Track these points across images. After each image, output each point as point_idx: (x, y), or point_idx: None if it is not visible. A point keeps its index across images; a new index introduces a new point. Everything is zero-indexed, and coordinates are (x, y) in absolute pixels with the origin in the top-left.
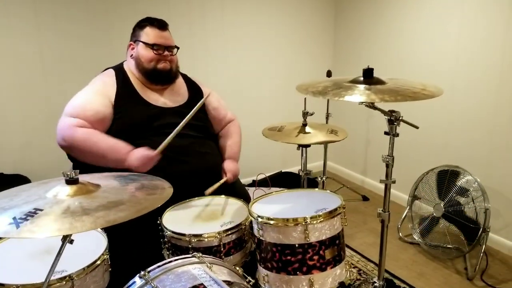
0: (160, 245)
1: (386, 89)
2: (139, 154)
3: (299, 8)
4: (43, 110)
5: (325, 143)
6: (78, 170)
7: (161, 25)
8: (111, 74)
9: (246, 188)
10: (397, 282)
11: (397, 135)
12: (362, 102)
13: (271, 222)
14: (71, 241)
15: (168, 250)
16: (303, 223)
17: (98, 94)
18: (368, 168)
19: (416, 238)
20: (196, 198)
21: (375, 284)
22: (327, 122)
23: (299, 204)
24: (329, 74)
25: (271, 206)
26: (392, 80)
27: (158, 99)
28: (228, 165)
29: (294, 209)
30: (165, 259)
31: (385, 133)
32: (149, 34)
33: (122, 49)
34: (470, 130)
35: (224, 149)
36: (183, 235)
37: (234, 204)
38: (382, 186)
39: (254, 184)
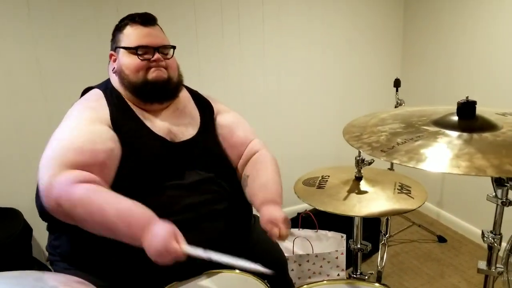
0: None
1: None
2: (161, 243)
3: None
4: (43, 132)
5: (392, 215)
6: None
7: (145, 19)
8: (96, 94)
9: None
10: None
11: (509, 203)
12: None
13: None
14: None
15: None
16: None
17: (96, 123)
18: (444, 198)
19: None
20: (204, 274)
21: None
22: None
23: None
24: (397, 83)
25: None
26: (506, 119)
27: (162, 126)
28: (272, 212)
29: None
30: None
31: (488, 198)
32: (130, 35)
33: None
34: None
35: (255, 190)
36: None
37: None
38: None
39: (298, 218)
